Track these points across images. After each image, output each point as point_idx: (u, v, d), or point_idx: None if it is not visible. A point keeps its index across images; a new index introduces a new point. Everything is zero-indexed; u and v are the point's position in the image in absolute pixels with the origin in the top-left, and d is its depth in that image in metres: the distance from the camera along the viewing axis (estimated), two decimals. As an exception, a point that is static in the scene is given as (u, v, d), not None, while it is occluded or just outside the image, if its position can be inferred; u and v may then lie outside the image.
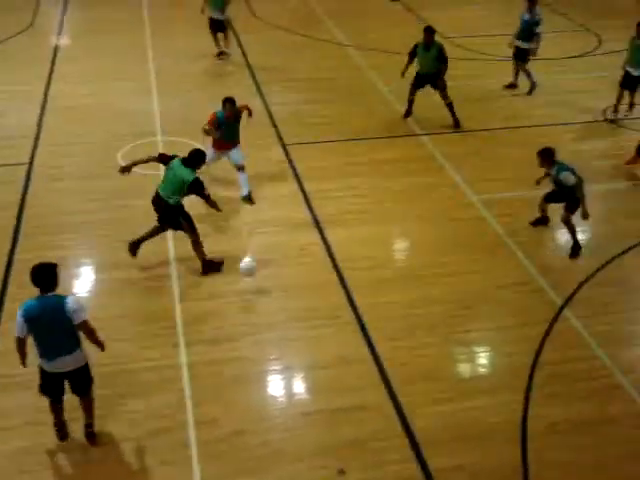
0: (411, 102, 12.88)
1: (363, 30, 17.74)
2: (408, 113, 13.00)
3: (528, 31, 13.69)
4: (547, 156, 9.20)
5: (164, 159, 8.70)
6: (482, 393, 7.32)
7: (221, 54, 15.69)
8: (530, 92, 14.11)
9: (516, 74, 14.28)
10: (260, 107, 13.18)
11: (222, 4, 15.13)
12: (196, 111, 12.14)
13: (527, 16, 13.77)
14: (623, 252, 9.42)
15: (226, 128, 10.09)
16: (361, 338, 8.00)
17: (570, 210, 9.26)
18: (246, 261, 8.56)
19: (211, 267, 8.90)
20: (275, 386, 7.49)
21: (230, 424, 6.88)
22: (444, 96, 12.58)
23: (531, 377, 7.48)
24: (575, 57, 16.16)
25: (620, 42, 14.73)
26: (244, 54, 16.03)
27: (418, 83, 12.65)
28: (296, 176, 11.13)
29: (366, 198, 10.65)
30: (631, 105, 13.31)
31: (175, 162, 8.56)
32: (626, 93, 13.14)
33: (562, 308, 8.43)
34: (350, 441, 6.75)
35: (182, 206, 8.70)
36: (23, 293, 6.99)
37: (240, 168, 10.27)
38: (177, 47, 16.25)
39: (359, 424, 6.93)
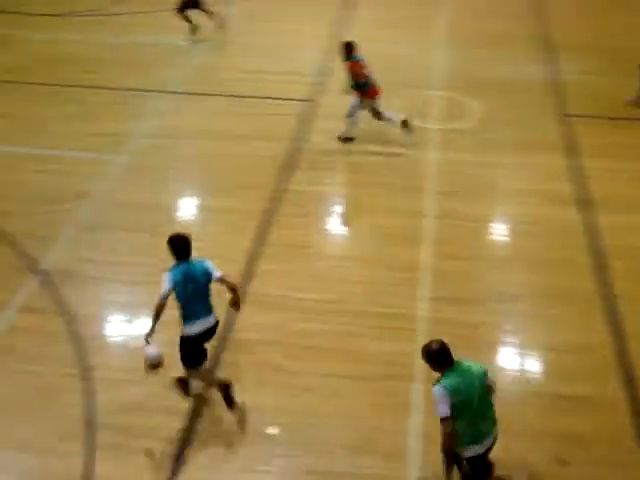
0: None
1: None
2: None
3: None
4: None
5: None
6: None
7: None
8: None
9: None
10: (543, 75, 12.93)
11: None
12: (479, 69, 12.71)
13: None
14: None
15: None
16: (607, 325, 7.52)
17: None
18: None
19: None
20: (506, 360, 7.32)
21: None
22: None
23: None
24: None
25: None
26: (545, 20, 15.28)
27: None
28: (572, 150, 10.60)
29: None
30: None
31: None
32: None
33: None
34: (574, 434, 6.40)
35: None
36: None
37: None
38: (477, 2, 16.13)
39: (587, 417, 6.55)
